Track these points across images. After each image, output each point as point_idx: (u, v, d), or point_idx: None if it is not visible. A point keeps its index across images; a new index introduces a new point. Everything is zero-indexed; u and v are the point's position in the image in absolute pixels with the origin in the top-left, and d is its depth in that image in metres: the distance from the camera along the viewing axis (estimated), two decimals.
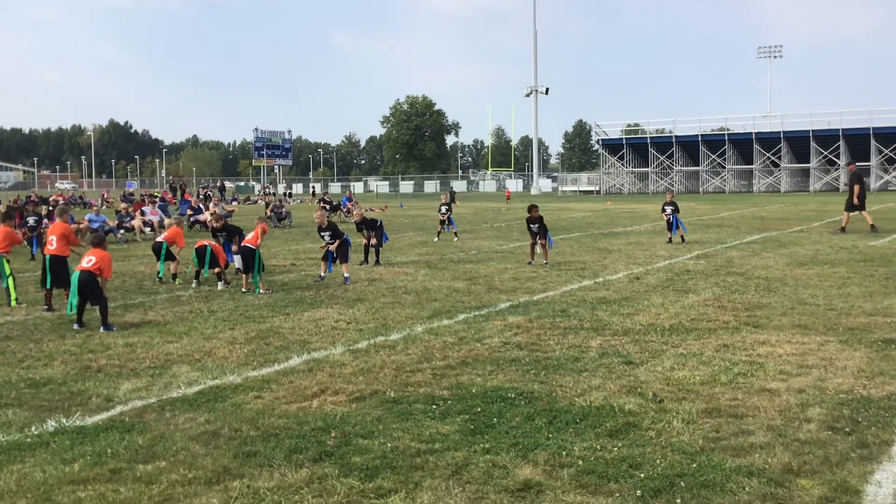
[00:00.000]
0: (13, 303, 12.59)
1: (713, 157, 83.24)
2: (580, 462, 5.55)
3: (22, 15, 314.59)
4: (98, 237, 11.84)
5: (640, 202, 56.95)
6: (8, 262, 12.90)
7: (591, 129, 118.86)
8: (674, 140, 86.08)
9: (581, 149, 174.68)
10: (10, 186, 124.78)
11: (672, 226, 21.88)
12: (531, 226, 17.33)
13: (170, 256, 15.32)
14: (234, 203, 52.55)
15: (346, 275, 14.82)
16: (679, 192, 77.75)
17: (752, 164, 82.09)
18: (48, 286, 12.05)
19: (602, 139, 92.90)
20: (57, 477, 5.39)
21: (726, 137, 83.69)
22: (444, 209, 24.85)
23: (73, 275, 10.95)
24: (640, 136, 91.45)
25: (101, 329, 10.49)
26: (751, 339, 9.43)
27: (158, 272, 15.38)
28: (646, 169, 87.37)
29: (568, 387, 7.46)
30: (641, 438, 6.04)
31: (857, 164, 28.64)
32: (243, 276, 14.03)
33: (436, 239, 24.19)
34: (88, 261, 10.84)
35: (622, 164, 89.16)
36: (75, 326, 10.69)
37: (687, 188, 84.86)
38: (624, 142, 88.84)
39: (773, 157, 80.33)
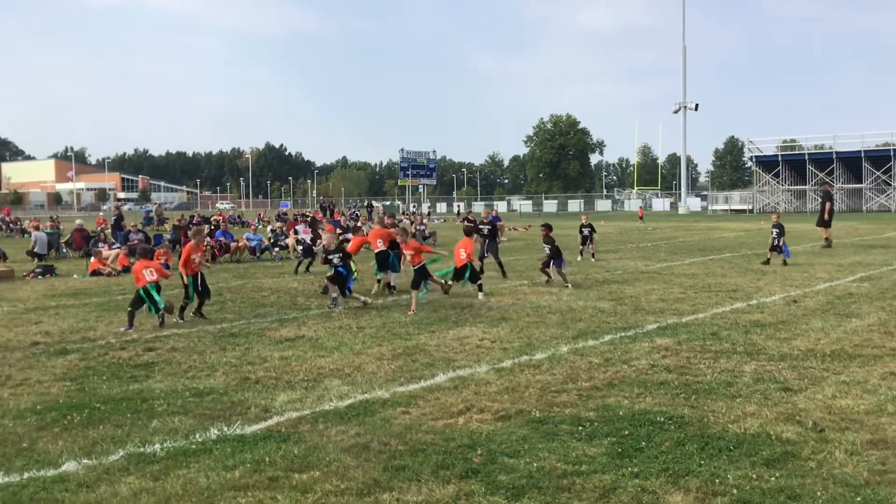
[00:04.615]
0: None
1: (877, 173, 78.50)
2: (734, 491, 5.34)
3: (180, 44, 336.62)
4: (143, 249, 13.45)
5: (797, 221, 54.29)
6: None
7: (744, 146, 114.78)
8: (834, 156, 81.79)
9: (732, 166, 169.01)
10: (174, 206, 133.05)
11: (778, 249, 21.39)
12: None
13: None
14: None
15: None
16: (840, 211, 73.64)
17: None
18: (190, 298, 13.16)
19: (756, 156, 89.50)
20: (219, 483, 5.67)
21: (892, 153, 78.67)
22: (585, 230, 24.59)
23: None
24: (797, 152, 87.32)
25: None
26: None
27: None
28: (803, 186, 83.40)
29: (720, 412, 7.20)
30: (801, 469, 5.75)
31: None
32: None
33: (579, 258, 23.95)
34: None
35: (777, 182, 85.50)
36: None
37: (849, 206, 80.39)
38: (780, 158, 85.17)
39: None
